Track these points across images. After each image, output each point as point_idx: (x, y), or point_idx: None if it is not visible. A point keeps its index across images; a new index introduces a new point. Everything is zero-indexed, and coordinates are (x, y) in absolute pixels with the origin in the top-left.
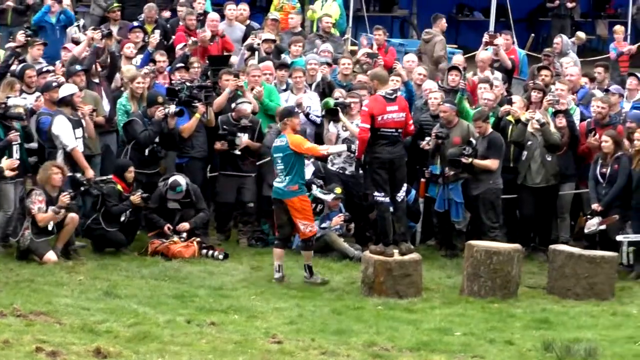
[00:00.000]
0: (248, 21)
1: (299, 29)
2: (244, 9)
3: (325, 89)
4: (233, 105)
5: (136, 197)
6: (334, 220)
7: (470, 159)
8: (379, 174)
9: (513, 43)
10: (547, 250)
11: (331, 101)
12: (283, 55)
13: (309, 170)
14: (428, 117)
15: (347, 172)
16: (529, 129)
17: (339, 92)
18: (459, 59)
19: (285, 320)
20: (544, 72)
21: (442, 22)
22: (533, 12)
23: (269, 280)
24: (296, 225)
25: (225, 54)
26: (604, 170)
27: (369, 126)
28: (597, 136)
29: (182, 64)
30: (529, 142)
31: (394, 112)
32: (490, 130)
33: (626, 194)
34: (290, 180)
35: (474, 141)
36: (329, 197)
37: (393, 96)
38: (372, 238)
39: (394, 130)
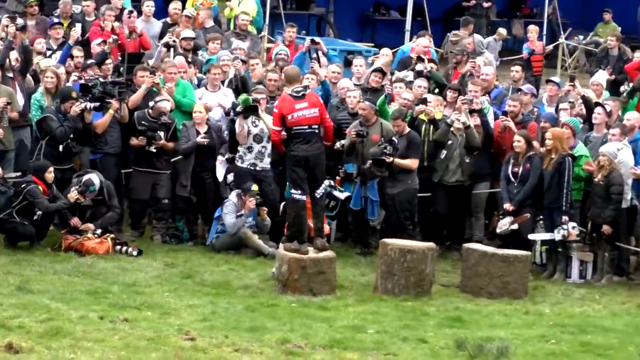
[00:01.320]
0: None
1: (211, 23)
2: (177, 7)
3: (238, 85)
4: (151, 103)
5: (73, 195)
6: (246, 205)
7: (391, 158)
8: (295, 172)
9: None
10: (461, 248)
11: (250, 98)
12: (200, 52)
13: (222, 168)
14: (346, 115)
15: (257, 168)
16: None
17: (261, 88)
18: (384, 61)
19: (198, 317)
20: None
21: (471, 26)
22: (449, 11)
23: (183, 276)
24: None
25: (142, 51)
26: (516, 169)
27: (279, 128)
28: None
29: (94, 61)
30: (449, 142)
31: (304, 109)
32: (407, 129)
33: (538, 193)
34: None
35: (396, 140)
36: (342, 196)
37: (301, 94)
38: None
39: (307, 127)
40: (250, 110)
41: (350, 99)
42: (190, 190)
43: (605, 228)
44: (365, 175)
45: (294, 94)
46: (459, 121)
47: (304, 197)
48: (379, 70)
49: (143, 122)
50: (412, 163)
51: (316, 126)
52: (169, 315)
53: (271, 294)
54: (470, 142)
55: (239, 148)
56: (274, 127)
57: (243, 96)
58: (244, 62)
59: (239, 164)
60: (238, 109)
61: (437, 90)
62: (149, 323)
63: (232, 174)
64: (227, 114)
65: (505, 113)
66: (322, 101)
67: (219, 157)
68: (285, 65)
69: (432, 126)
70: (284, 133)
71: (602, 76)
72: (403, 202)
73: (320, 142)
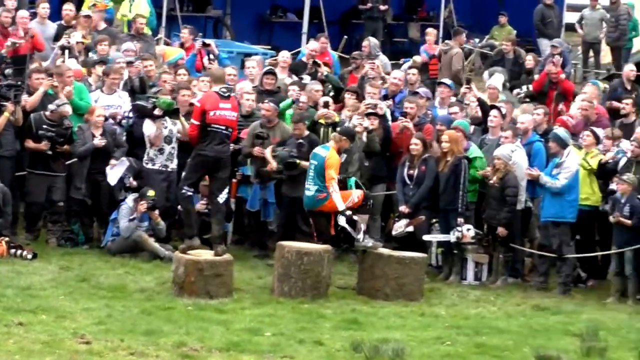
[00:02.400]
0: (73, 22)
1: (103, 26)
2: (70, 9)
3: (134, 87)
4: (52, 106)
5: None
6: (138, 209)
7: (300, 161)
8: (196, 171)
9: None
10: (357, 250)
11: (173, 101)
12: (90, 54)
13: (119, 170)
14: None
15: (169, 169)
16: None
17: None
18: (277, 62)
19: (94, 320)
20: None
21: (462, 37)
22: (346, 14)
23: (78, 280)
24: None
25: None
26: (412, 172)
27: (198, 123)
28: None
29: None
30: (349, 145)
31: (227, 109)
32: (306, 132)
33: (433, 195)
34: (317, 190)
35: (304, 142)
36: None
37: (227, 94)
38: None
39: (224, 127)
40: (173, 112)
41: (243, 100)
42: (85, 193)
43: (500, 230)
44: (263, 177)
45: (221, 93)
46: (362, 125)
47: (190, 193)
48: (271, 72)
49: (44, 126)
50: None
51: (231, 129)
52: (64, 319)
53: (167, 297)
54: (370, 147)
55: (149, 150)
56: (194, 121)
57: (164, 98)
58: (130, 63)
59: (149, 166)
60: (157, 111)
61: (332, 94)
62: (44, 327)
63: (128, 176)
64: (122, 118)
65: (404, 114)
66: None
67: (111, 161)
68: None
69: (330, 130)
70: None
71: (498, 79)
72: (302, 204)
73: (229, 145)
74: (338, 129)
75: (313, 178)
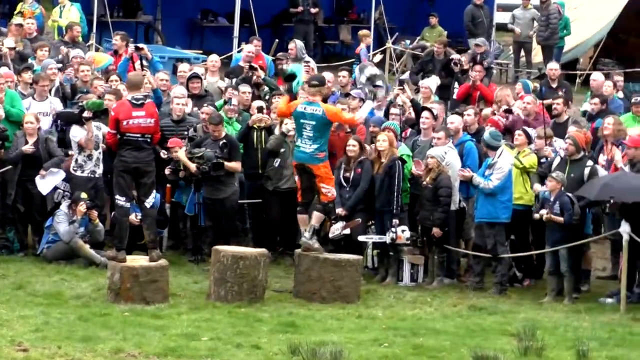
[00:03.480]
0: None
1: (35, 34)
2: None
3: (65, 94)
4: None
5: None
6: (78, 211)
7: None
8: (122, 178)
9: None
10: (293, 254)
11: (102, 101)
12: (30, 60)
13: (52, 180)
14: (169, 121)
15: (96, 175)
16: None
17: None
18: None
19: (31, 327)
20: None
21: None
22: (277, 17)
23: (14, 287)
24: (318, 188)
25: None
26: (347, 174)
27: (114, 131)
28: None
29: None
30: (283, 150)
31: (141, 117)
32: (224, 133)
33: (369, 197)
34: (317, 148)
35: (227, 143)
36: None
37: (140, 102)
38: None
39: (139, 135)
40: (103, 113)
41: (178, 106)
42: (17, 200)
43: (435, 231)
44: (199, 181)
45: (133, 101)
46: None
47: (127, 205)
48: (196, 76)
49: None
50: (237, 165)
51: (149, 136)
52: (1, 327)
53: (103, 303)
54: None
55: (77, 157)
56: (110, 129)
57: (93, 99)
58: (63, 67)
59: (77, 173)
60: (86, 114)
61: (267, 97)
62: None
63: (65, 192)
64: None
65: None
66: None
67: (41, 171)
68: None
69: (264, 133)
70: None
71: (432, 81)
72: (234, 206)
73: (150, 150)
74: (306, 85)
75: (312, 138)
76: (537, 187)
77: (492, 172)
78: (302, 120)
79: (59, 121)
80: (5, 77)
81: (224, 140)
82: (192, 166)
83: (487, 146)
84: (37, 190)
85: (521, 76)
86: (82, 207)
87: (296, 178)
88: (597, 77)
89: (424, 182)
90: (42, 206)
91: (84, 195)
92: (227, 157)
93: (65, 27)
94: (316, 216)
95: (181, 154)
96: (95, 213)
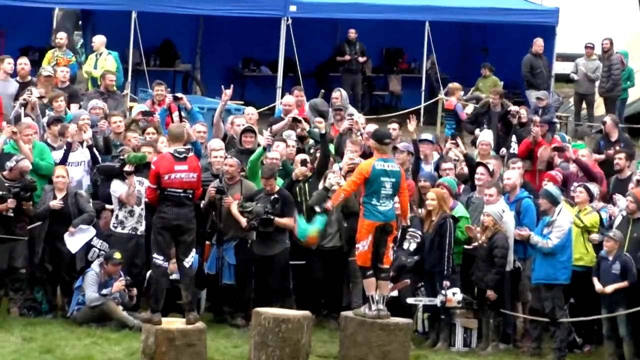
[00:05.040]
0: (29, 77)
1: (67, 83)
2: (25, 62)
3: (98, 147)
4: (10, 163)
5: None
6: (115, 286)
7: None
8: (162, 235)
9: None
10: (339, 317)
11: (145, 155)
12: (47, 111)
13: (82, 238)
14: (209, 175)
15: (138, 233)
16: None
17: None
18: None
19: None
20: None
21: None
22: (322, 66)
23: (42, 351)
24: (387, 249)
25: None
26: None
27: (154, 186)
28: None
29: None
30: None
31: (183, 171)
32: (277, 188)
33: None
34: (393, 205)
35: (279, 198)
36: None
37: (183, 155)
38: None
39: (181, 191)
40: (145, 167)
41: (215, 159)
42: (44, 258)
43: (489, 293)
44: (222, 234)
45: (176, 155)
46: (339, 184)
47: (165, 264)
48: (250, 129)
49: (6, 185)
50: (290, 221)
51: (191, 191)
52: None
53: None
54: (349, 206)
55: (118, 213)
56: (150, 184)
57: (134, 153)
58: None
59: (118, 230)
60: (127, 167)
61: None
62: None
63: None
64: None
65: None
66: None
67: (70, 228)
68: (146, 125)
69: (306, 184)
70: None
71: (489, 135)
72: (282, 263)
73: (192, 207)
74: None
75: (391, 196)
76: (595, 236)
77: (551, 231)
78: (382, 179)
79: (96, 175)
80: (33, 128)
81: (276, 196)
82: (243, 221)
83: (547, 197)
84: (66, 248)
85: (582, 130)
86: (120, 283)
87: (369, 239)
88: None
89: (479, 242)
90: (71, 265)
91: (117, 255)
92: (278, 213)
93: (99, 77)
94: (382, 285)
95: (233, 207)
96: (134, 291)
